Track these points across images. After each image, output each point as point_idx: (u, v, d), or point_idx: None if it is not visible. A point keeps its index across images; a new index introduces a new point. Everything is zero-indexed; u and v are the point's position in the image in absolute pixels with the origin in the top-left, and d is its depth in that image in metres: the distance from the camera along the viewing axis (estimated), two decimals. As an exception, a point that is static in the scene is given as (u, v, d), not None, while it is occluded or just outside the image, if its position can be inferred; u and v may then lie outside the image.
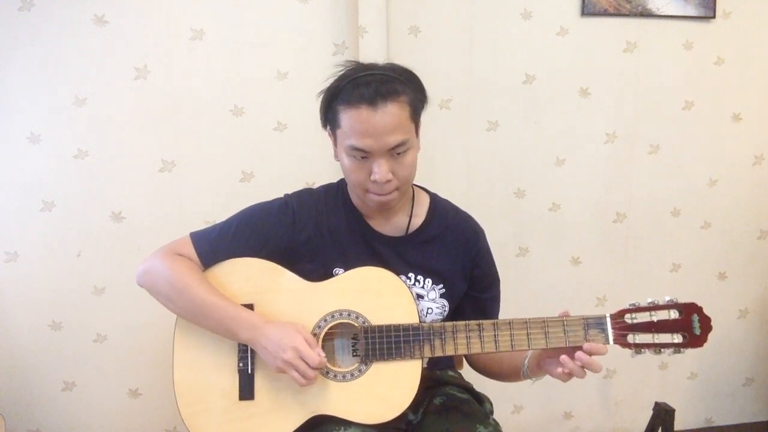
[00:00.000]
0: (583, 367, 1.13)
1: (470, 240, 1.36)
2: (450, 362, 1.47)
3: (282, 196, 1.35)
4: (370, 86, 1.15)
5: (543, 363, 1.21)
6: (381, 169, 1.18)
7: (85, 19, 1.87)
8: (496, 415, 1.36)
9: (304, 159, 2.02)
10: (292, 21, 1.98)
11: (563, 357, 1.13)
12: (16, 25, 1.84)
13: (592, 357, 1.12)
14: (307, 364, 1.13)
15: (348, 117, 1.16)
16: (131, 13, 1.90)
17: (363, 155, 1.18)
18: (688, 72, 2.22)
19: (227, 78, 1.97)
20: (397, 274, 1.25)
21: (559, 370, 1.14)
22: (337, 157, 1.27)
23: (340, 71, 1.22)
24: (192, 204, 2.00)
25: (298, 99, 2.00)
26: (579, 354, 1.12)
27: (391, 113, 1.15)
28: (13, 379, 2.01)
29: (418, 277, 1.31)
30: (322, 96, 1.23)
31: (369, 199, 1.24)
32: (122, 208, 1.98)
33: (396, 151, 1.18)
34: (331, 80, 1.21)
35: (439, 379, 1.39)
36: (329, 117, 1.23)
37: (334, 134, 1.23)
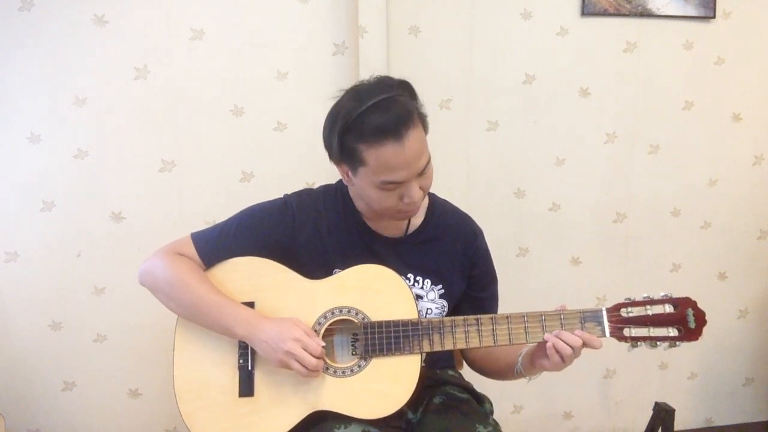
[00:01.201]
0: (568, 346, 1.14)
1: (469, 240, 1.36)
2: (450, 362, 1.47)
3: (282, 196, 1.35)
4: (387, 116, 1.11)
5: (535, 358, 1.21)
6: (415, 193, 1.18)
7: (85, 19, 1.88)
8: (496, 415, 1.36)
9: (304, 159, 2.02)
10: (292, 21, 1.98)
11: (547, 335, 1.16)
12: (16, 25, 1.85)
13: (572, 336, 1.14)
14: (308, 353, 1.13)
15: (375, 156, 1.13)
16: (131, 13, 1.90)
17: (396, 186, 1.17)
18: (688, 72, 2.22)
19: (227, 78, 1.97)
20: None
21: (549, 345, 1.15)
22: (348, 182, 1.25)
23: (338, 103, 1.19)
24: (192, 204, 2.00)
25: (298, 99, 2.00)
26: (562, 333, 1.15)
27: (414, 139, 1.14)
28: (13, 379, 2.01)
29: (417, 278, 1.32)
30: (329, 131, 1.18)
31: (398, 217, 1.25)
32: (122, 208, 1.98)
33: (424, 171, 1.19)
34: (334, 113, 1.17)
35: (439, 378, 1.38)
36: (346, 154, 1.17)
37: (353, 170, 1.19)
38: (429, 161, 1.19)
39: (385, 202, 1.20)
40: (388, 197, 1.19)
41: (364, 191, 1.22)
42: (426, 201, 1.37)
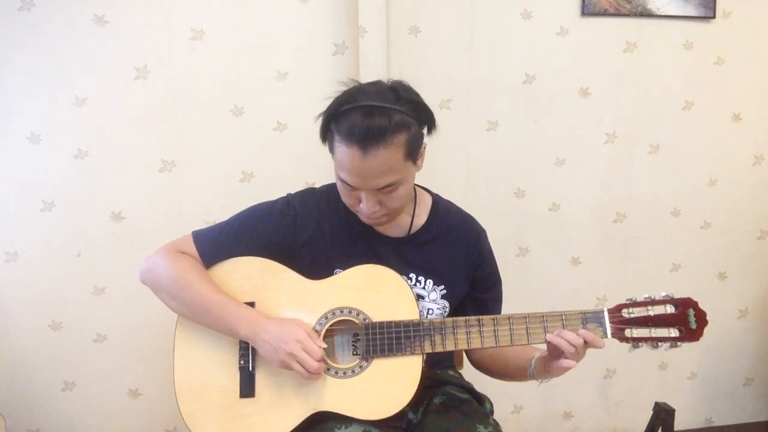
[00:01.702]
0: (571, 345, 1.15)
1: (472, 241, 1.36)
2: (450, 362, 1.47)
3: (284, 195, 1.35)
4: (363, 124, 1.11)
5: (548, 361, 1.21)
6: (368, 204, 1.19)
7: (85, 19, 1.87)
8: (496, 415, 1.36)
9: (304, 159, 2.02)
10: (292, 21, 1.98)
11: (548, 335, 1.17)
12: (16, 25, 1.84)
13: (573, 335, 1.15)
14: (309, 355, 1.13)
15: (340, 151, 1.15)
16: (131, 13, 1.90)
17: (351, 188, 1.18)
18: (688, 72, 2.22)
19: (227, 78, 1.97)
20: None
21: (548, 345, 1.16)
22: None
23: (349, 90, 1.19)
24: (192, 204, 2.00)
25: (298, 99, 2.00)
26: (562, 332, 1.15)
27: (380, 159, 1.12)
28: (13, 379, 2.01)
29: (419, 278, 1.32)
30: (327, 109, 1.19)
31: (364, 219, 1.25)
32: (122, 208, 1.98)
33: (384, 191, 1.18)
34: (338, 98, 1.18)
35: (439, 378, 1.38)
36: (327, 137, 1.20)
37: (331, 153, 1.21)
38: (396, 184, 1.17)
39: (345, 198, 1.23)
40: (347, 194, 1.21)
41: (336, 178, 1.24)
42: (429, 201, 1.37)
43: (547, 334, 1.17)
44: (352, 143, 1.12)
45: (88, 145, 1.93)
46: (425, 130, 1.24)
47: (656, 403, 2.07)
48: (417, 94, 1.21)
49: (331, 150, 1.19)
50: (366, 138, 1.11)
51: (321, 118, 1.20)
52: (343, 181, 1.18)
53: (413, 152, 1.19)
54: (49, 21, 1.86)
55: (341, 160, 1.16)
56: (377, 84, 1.20)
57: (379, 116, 1.12)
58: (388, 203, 1.20)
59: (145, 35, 1.91)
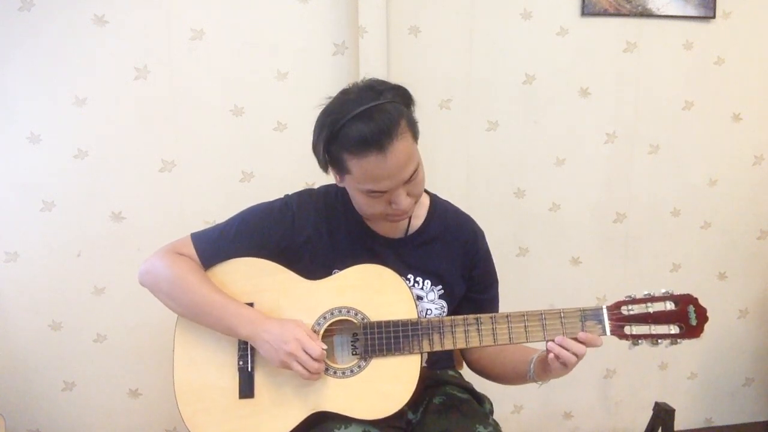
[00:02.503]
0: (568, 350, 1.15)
1: (470, 241, 1.36)
2: (450, 362, 1.47)
3: (283, 196, 1.35)
4: (369, 128, 1.09)
5: (548, 364, 1.21)
6: (402, 200, 1.18)
7: (85, 19, 1.88)
8: (496, 415, 1.36)
9: (304, 159, 1.98)
10: (292, 21, 1.98)
11: (550, 344, 1.16)
12: (16, 25, 1.85)
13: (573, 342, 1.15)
14: (309, 356, 1.13)
15: (358, 166, 1.13)
16: (131, 13, 1.90)
17: (382, 194, 1.17)
18: (688, 72, 2.22)
19: (227, 78, 1.97)
20: None
21: (551, 355, 1.16)
22: (340, 183, 1.24)
23: (326, 109, 1.17)
24: (192, 204, 2.00)
25: (298, 99, 2.00)
26: (563, 340, 1.15)
27: (399, 150, 1.12)
28: (13, 379, 2.01)
29: (417, 279, 1.32)
30: (315, 139, 1.17)
31: (389, 220, 1.24)
32: (122, 208, 1.98)
33: (410, 180, 1.17)
34: (321, 121, 1.16)
35: (439, 378, 1.38)
36: (332, 162, 1.18)
37: (341, 176, 1.20)
38: (417, 168, 1.18)
39: (372, 208, 1.20)
40: (375, 203, 1.19)
41: (353, 196, 1.23)
42: (427, 202, 1.37)
43: (549, 343, 1.16)
44: (370, 150, 1.10)
45: (88, 145, 1.93)
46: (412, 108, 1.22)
47: (656, 403, 2.07)
48: (388, 81, 1.19)
49: (342, 171, 1.17)
50: (380, 139, 1.10)
51: (318, 147, 1.17)
52: (372, 191, 1.16)
53: (416, 132, 1.19)
54: (49, 21, 1.86)
55: (364, 174, 1.13)
56: (351, 91, 1.18)
57: (378, 114, 1.11)
58: (414, 191, 1.20)
59: (145, 35, 1.91)
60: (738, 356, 2.45)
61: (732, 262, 2.38)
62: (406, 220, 1.32)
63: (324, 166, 1.20)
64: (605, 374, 2.38)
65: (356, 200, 1.22)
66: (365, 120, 1.11)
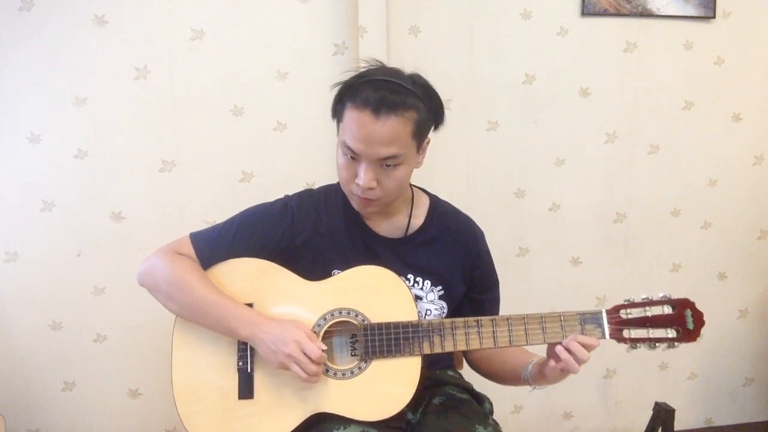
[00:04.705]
0: (572, 354, 1.15)
1: (469, 242, 1.36)
2: (450, 362, 1.47)
3: (282, 197, 1.35)
4: (379, 92, 1.15)
5: (545, 369, 1.21)
6: (366, 176, 1.18)
7: (85, 19, 1.87)
8: (496, 415, 1.36)
9: (304, 159, 2.02)
10: (292, 21, 1.98)
11: (558, 347, 1.16)
12: (16, 25, 1.85)
13: (579, 347, 1.15)
14: (308, 358, 1.13)
15: (350, 116, 1.17)
16: (131, 13, 1.90)
17: (353, 155, 1.18)
18: (688, 72, 2.22)
19: (227, 78, 1.97)
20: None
21: (552, 363, 1.16)
22: (337, 135, 1.26)
23: (363, 68, 1.23)
24: (192, 204, 2.00)
25: (298, 99, 2.00)
26: (569, 343, 1.15)
27: (389, 126, 1.15)
28: (13, 379, 2.01)
29: (417, 279, 1.32)
30: (338, 84, 1.23)
31: (355, 202, 1.25)
32: (122, 208, 1.98)
33: (386, 163, 1.18)
34: (355, 74, 1.22)
35: (438, 379, 1.38)
36: (338, 109, 1.22)
37: (337, 125, 1.24)
38: (399, 160, 1.18)
39: (343, 171, 1.22)
40: (346, 167, 1.21)
41: (336, 155, 1.24)
42: (427, 202, 1.37)
43: (557, 347, 1.16)
44: (366, 108, 1.14)
45: (88, 145, 1.93)
46: (433, 124, 1.26)
47: (656, 403, 2.08)
48: (432, 87, 1.25)
49: (340, 119, 1.21)
50: (380, 105, 1.14)
51: (335, 93, 1.22)
52: (347, 147, 1.18)
53: (420, 135, 1.21)
54: (49, 21, 1.86)
55: (349, 125, 1.17)
56: (396, 69, 1.23)
57: (395, 90, 1.16)
58: (384, 182, 1.20)
59: (145, 35, 1.91)
60: (738, 356, 2.45)
61: (732, 262, 2.38)
62: (406, 221, 1.32)
63: (333, 112, 1.24)
64: (605, 374, 2.38)
65: (337, 159, 1.24)
66: (380, 87, 1.16)
